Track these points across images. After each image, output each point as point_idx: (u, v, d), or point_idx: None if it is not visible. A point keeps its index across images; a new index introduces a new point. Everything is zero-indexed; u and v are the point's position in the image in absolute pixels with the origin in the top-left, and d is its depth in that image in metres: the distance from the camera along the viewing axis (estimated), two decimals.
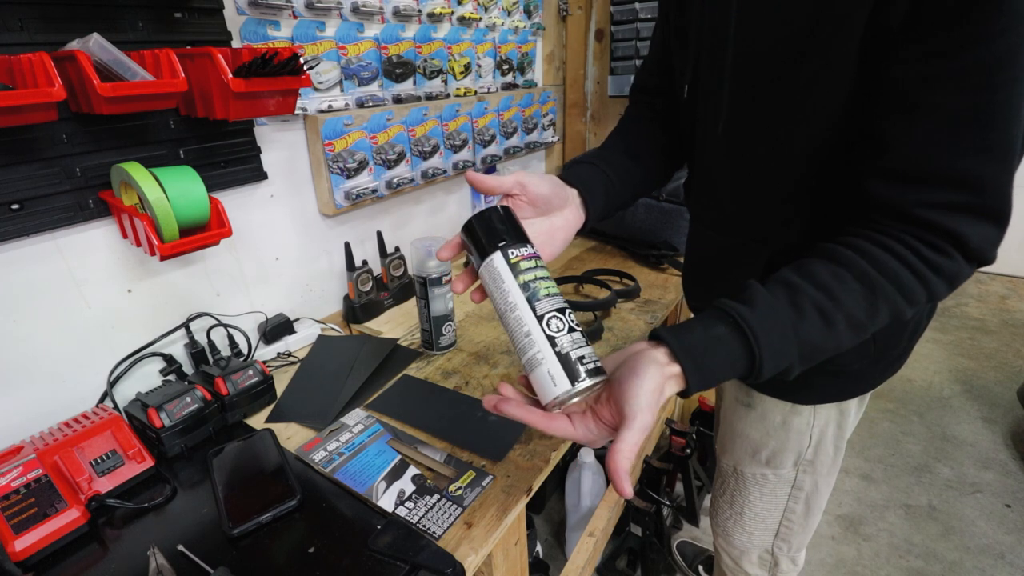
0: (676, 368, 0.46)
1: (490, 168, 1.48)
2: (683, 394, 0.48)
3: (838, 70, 0.48)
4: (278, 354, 0.96)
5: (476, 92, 1.35)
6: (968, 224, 0.45)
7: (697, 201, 0.72)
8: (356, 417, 0.78)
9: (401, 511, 0.61)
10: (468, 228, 0.50)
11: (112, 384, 0.78)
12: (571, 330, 0.45)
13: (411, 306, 1.13)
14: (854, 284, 0.46)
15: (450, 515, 0.60)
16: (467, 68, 1.31)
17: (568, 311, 0.46)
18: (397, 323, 1.07)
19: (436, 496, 0.63)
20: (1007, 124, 0.42)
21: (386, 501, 0.62)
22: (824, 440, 0.71)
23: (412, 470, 0.67)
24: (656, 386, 0.45)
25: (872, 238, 0.47)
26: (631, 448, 0.43)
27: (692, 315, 0.76)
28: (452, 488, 0.64)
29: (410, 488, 0.64)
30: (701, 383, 0.46)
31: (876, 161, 0.47)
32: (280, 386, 0.86)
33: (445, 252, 0.53)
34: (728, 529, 0.86)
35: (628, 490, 0.43)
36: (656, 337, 0.48)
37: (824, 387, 0.67)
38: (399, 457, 0.69)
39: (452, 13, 1.23)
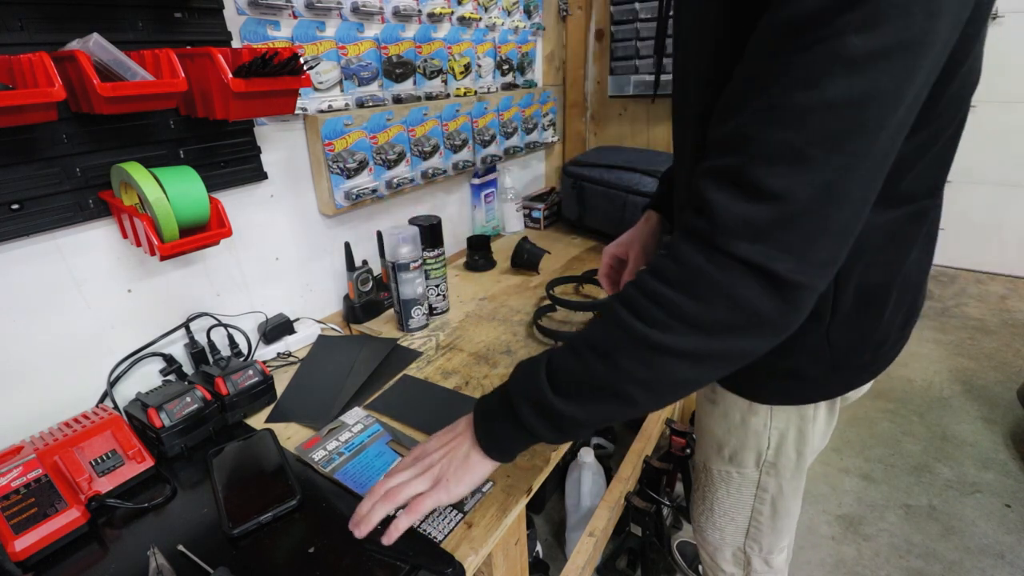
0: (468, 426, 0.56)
1: (490, 168, 1.48)
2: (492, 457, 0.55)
3: (717, 61, 0.48)
4: (278, 354, 0.96)
5: (476, 92, 1.35)
6: (717, 190, 0.38)
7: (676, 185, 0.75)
8: (355, 416, 0.78)
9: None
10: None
11: (112, 384, 0.78)
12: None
13: None
14: (604, 311, 0.46)
15: (451, 520, 0.60)
16: (467, 68, 1.31)
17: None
18: (397, 323, 1.07)
19: None
20: (795, 87, 0.36)
21: None
22: (784, 444, 0.70)
23: None
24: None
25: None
26: None
27: None
28: None
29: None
30: (489, 443, 0.54)
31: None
32: (280, 386, 0.86)
33: None
34: (702, 525, 0.86)
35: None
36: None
37: (776, 387, 0.66)
38: (399, 459, 0.69)
39: (452, 13, 1.23)
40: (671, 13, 0.68)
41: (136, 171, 0.67)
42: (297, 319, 1.04)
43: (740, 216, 0.37)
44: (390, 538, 0.54)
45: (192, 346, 0.87)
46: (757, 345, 0.42)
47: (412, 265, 0.97)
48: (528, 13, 1.51)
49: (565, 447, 0.73)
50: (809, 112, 0.35)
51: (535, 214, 1.62)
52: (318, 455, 0.70)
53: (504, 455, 0.54)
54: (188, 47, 0.75)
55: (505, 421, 0.52)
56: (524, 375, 0.51)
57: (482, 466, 0.54)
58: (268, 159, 0.93)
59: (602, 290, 1.15)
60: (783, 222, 0.37)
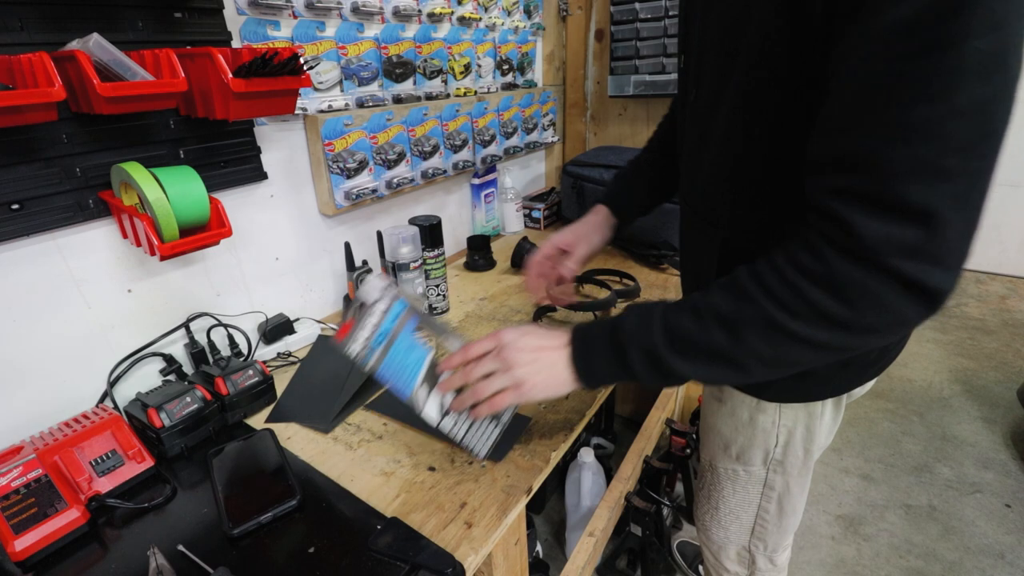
0: (566, 337, 0.58)
1: (490, 168, 1.48)
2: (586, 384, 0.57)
3: (766, 56, 0.47)
4: (278, 354, 0.96)
5: (476, 92, 1.35)
6: (855, 211, 0.39)
7: (680, 184, 0.75)
8: (376, 289, 0.64)
9: (446, 424, 0.58)
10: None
11: (112, 384, 0.78)
12: None
13: None
14: (728, 283, 0.47)
15: (489, 436, 0.58)
16: (467, 68, 1.31)
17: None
18: None
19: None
20: (918, 100, 0.35)
21: (430, 411, 0.59)
22: (792, 441, 0.70)
23: (448, 374, 0.62)
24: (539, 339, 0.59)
25: (788, 247, 0.45)
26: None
27: None
28: None
29: (451, 398, 0.60)
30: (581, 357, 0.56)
31: (806, 149, 0.45)
32: (280, 386, 0.86)
33: None
34: (706, 523, 0.86)
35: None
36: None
37: (784, 385, 0.66)
38: (432, 354, 0.62)
39: (452, 13, 1.23)
40: (671, 13, 0.69)
41: (136, 171, 0.67)
42: (297, 319, 1.04)
43: (888, 235, 0.38)
44: (478, 413, 0.59)
45: (192, 346, 0.87)
46: (889, 340, 0.45)
47: (412, 265, 0.97)
48: (528, 13, 1.51)
49: (566, 446, 0.73)
50: (938, 124, 0.35)
51: (535, 214, 1.62)
52: (356, 349, 0.61)
53: (594, 384, 0.58)
54: (188, 47, 0.75)
55: (609, 357, 0.54)
56: (639, 323, 0.52)
57: (567, 385, 0.57)
58: (268, 159, 0.93)
59: (602, 290, 1.15)
60: (931, 236, 0.37)
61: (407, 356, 0.60)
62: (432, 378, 0.59)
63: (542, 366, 0.57)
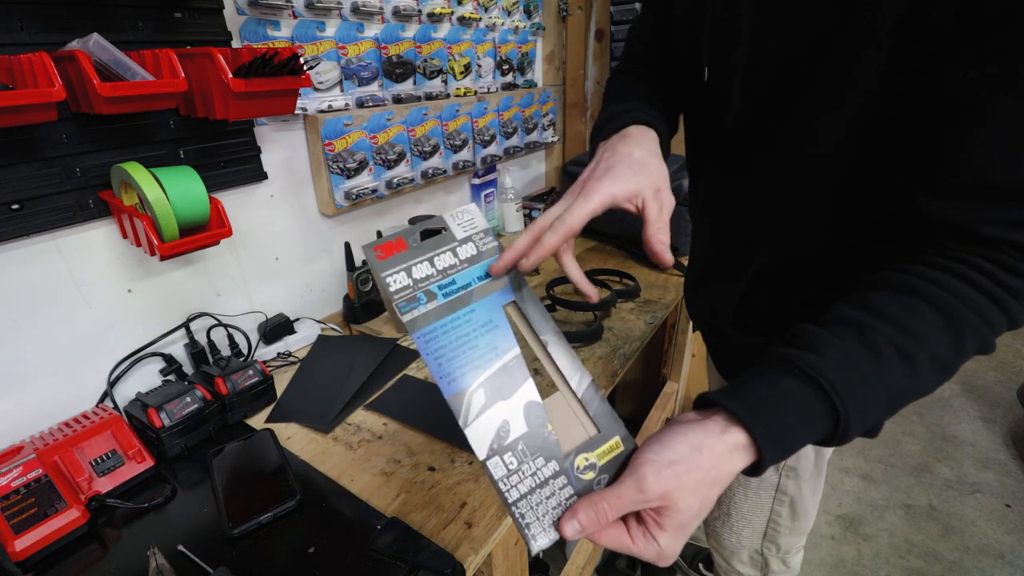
0: (740, 434, 0.37)
1: (490, 168, 1.48)
2: (753, 471, 0.38)
3: (863, 72, 0.43)
4: (278, 354, 0.96)
5: (476, 92, 1.35)
6: None
7: (699, 196, 0.69)
8: (465, 222, 0.45)
9: (495, 466, 0.36)
10: None
11: (112, 384, 0.78)
12: None
13: None
14: (932, 315, 0.39)
15: (559, 504, 0.36)
16: (467, 68, 1.31)
17: None
18: (396, 323, 1.07)
19: (553, 466, 0.37)
20: None
21: (478, 432, 0.37)
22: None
23: (532, 385, 0.39)
24: (692, 450, 0.36)
25: (935, 263, 0.40)
26: (604, 504, 0.34)
27: (691, 324, 0.74)
28: (580, 461, 0.38)
29: (521, 427, 0.37)
30: (777, 451, 0.37)
31: (933, 176, 0.41)
32: (280, 386, 0.86)
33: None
34: (717, 529, 0.86)
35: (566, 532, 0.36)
36: (707, 403, 0.39)
37: None
38: (517, 352, 0.40)
39: (452, 13, 1.23)
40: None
41: (136, 171, 0.67)
42: (297, 319, 1.04)
43: None
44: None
45: (192, 346, 0.87)
46: None
47: None
48: (528, 13, 1.51)
49: None
50: None
51: (535, 214, 1.62)
52: (400, 283, 0.42)
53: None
54: (188, 47, 0.75)
55: (814, 440, 0.40)
56: (869, 402, 0.39)
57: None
58: (268, 159, 0.93)
59: (602, 290, 1.15)
60: None
61: (478, 336, 0.40)
62: (502, 388, 0.39)
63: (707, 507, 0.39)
